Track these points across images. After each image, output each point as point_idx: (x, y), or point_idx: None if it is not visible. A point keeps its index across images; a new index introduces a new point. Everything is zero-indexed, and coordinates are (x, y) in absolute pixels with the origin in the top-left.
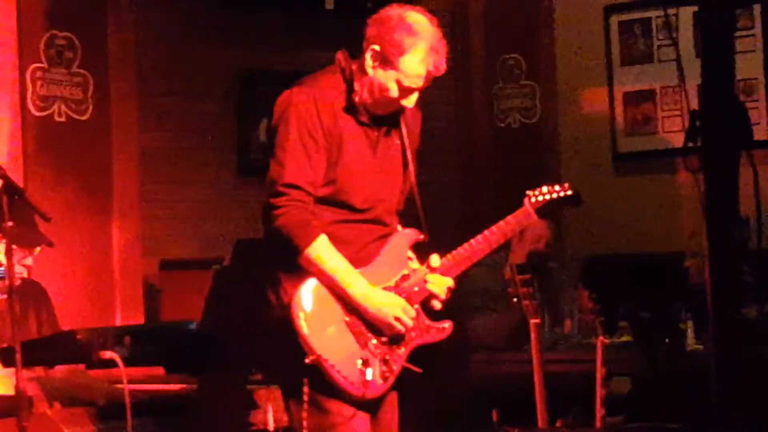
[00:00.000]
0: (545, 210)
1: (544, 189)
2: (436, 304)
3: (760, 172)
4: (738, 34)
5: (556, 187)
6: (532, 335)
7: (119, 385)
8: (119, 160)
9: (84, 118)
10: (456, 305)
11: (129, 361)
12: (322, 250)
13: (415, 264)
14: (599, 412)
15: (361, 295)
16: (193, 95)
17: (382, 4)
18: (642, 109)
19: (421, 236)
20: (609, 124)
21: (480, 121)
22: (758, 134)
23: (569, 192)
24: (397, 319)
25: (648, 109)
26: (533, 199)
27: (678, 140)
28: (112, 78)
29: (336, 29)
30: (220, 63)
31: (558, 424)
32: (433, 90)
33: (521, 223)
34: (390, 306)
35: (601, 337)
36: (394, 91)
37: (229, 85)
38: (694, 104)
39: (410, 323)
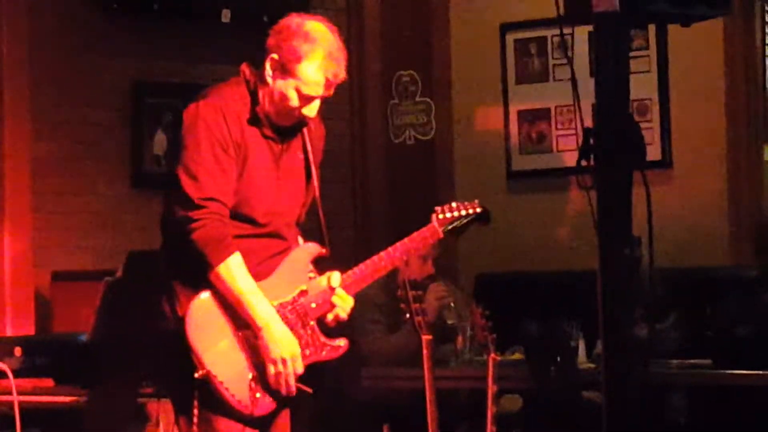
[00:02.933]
0: (452, 227)
1: (453, 205)
2: (329, 317)
3: (652, 193)
4: (633, 54)
5: (465, 204)
6: (424, 351)
7: (8, 397)
8: (11, 169)
9: None
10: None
11: (19, 373)
12: (233, 268)
13: (314, 278)
14: (490, 429)
15: (264, 323)
16: (86, 105)
17: (278, 18)
18: (537, 128)
19: (323, 251)
20: (504, 142)
21: (374, 137)
22: (651, 154)
23: (478, 209)
24: (283, 361)
25: (543, 128)
26: (441, 216)
27: (572, 159)
28: (4, 86)
29: (232, 42)
30: (115, 73)
31: None
32: (327, 105)
33: (426, 241)
34: (283, 347)
35: (492, 354)
36: (294, 100)
37: (124, 96)
38: (589, 123)
39: (292, 371)
